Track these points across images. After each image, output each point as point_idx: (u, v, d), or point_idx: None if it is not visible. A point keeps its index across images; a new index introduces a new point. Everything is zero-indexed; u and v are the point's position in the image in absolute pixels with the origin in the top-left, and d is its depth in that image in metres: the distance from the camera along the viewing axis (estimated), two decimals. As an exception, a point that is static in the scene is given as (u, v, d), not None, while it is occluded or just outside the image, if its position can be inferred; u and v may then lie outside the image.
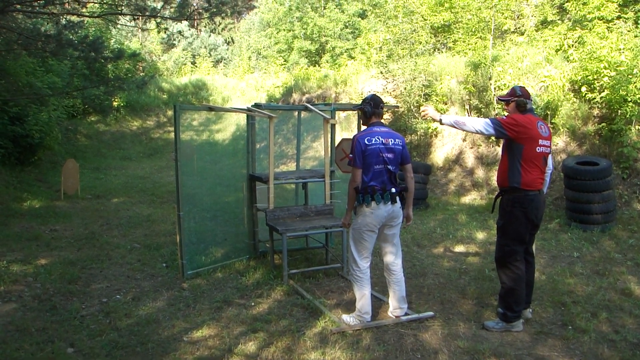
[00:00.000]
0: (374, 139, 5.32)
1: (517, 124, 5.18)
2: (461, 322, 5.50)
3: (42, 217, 10.65)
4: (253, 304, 6.03)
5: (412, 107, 14.74)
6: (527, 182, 5.20)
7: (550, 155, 5.49)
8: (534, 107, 5.59)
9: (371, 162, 5.30)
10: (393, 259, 5.66)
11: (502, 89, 12.85)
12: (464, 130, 5.45)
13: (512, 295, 5.29)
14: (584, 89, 11.52)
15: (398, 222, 5.61)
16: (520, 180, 5.20)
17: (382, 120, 5.64)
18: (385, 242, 5.66)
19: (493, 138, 12.92)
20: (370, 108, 5.49)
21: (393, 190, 5.41)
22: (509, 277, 5.32)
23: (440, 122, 5.41)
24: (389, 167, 5.39)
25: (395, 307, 5.63)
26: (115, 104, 23.55)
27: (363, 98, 5.88)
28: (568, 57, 13.06)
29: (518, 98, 5.34)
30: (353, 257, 5.53)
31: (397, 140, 5.45)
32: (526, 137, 5.17)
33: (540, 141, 5.21)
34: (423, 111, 5.62)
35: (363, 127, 5.70)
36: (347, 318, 5.47)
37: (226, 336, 5.15)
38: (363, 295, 5.45)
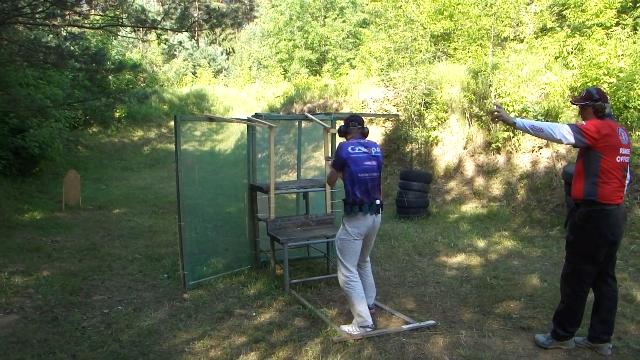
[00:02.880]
0: (357, 148, 5.49)
1: (597, 130, 4.65)
2: (463, 331, 5.48)
3: (43, 228, 10.67)
4: (254, 314, 6.02)
5: (412, 115, 14.75)
6: (604, 194, 4.69)
7: (628, 165, 4.91)
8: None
9: (356, 170, 5.43)
10: (366, 257, 5.96)
11: (502, 97, 12.86)
12: (540, 137, 4.89)
13: (568, 314, 4.98)
14: (583, 96, 11.53)
15: (377, 229, 5.76)
16: (597, 193, 4.70)
17: (365, 137, 5.77)
18: (363, 247, 5.77)
19: (493, 146, 12.94)
20: (343, 128, 5.76)
21: (377, 202, 5.53)
22: (569, 296, 4.96)
23: (514, 125, 4.81)
24: (373, 174, 5.52)
25: (369, 296, 5.84)
26: (116, 114, 23.64)
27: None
28: (567, 64, 13.08)
29: (595, 102, 4.85)
30: (343, 264, 5.59)
31: (377, 149, 5.64)
32: (606, 145, 4.66)
33: (621, 150, 4.71)
34: (496, 112, 4.86)
35: None
36: (347, 328, 5.45)
37: (228, 347, 5.14)
38: (360, 301, 5.48)
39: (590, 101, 4.87)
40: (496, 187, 12.36)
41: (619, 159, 4.69)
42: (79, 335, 5.51)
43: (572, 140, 4.65)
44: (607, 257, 4.88)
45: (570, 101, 5.78)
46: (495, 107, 4.96)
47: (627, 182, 4.92)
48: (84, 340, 5.37)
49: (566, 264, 5.02)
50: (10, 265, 8.04)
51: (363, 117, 5.89)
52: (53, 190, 14.87)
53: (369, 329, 5.40)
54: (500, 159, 12.83)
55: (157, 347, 5.18)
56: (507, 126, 4.45)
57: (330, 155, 7.50)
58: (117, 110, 23.34)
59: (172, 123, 24.98)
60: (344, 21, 28.86)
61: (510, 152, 12.59)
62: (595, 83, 11.23)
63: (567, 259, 5.01)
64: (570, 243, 4.96)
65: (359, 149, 5.48)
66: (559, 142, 4.78)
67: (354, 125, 5.70)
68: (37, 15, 9.72)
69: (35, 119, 14.18)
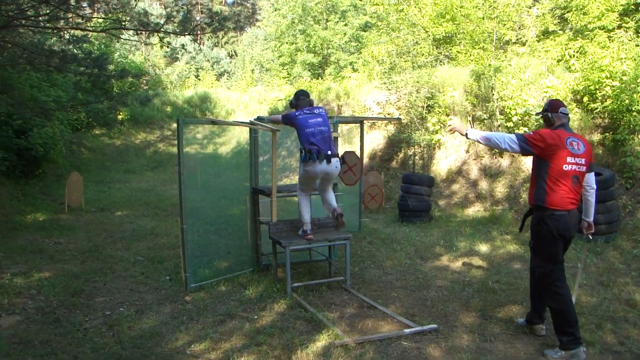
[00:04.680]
0: (303, 112, 6.86)
1: (542, 139, 4.96)
2: (465, 335, 5.48)
3: (46, 230, 10.68)
4: (256, 317, 6.02)
5: (415, 118, 14.76)
6: (552, 201, 4.96)
7: (591, 174, 5.21)
8: (569, 119, 5.29)
9: (303, 127, 6.73)
10: (327, 191, 7.24)
11: (504, 100, 12.87)
12: (489, 146, 5.34)
13: (562, 317, 5.02)
14: (586, 99, 11.54)
15: (333, 176, 7.03)
16: (545, 199, 4.99)
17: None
18: (322, 185, 7.16)
19: (496, 149, 12.93)
20: (294, 101, 7.10)
21: (329, 152, 6.70)
22: (553, 299, 5.08)
23: (466, 136, 5.32)
24: (320, 128, 6.76)
25: (333, 209, 7.14)
26: (119, 117, 23.67)
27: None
28: (570, 67, 13.07)
29: (545, 112, 5.24)
30: (300, 187, 7.11)
31: (320, 110, 6.99)
32: (552, 153, 4.94)
33: (568, 158, 4.92)
34: (449, 125, 5.54)
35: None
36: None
37: (229, 349, 5.15)
38: (305, 213, 7.05)
39: (543, 112, 5.29)
40: (499, 191, 12.35)
41: (566, 167, 4.92)
42: (80, 336, 5.52)
43: (517, 149, 5.03)
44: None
45: (535, 113, 6.14)
46: (450, 121, 5.63)
47: (591, 190, 5.26)
48: (85, 341, 5.38)
49: (532, 270, 5.35)
50: (13, 267, 8.05)
51: (365, 120, 6.43)
52: (56, 192, 14.89)
53: (308, 235, 6.97)
54: (504, 162, 12.82)
55: (159, 349, 5.19)
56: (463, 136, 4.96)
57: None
58: (120, 113, 23.39)
59: (174, 126, 25.05)
60: (346, 24, 28.84)
61: (513, 155, 12.57)
62: (597, 86, 11.23)
63: (532, 264, 5.35)
64: (532, 248, 5.32)
65: (305, 113, 6.83)
66: (505, 150, 5.18)
67: (303, 98, 7.06)
68: (40, 18, 9.74)
69: (39, 120, 14.22)
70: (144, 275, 7.77)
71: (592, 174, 5.23)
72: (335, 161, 6.79)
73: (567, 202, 4.96)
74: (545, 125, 5.31)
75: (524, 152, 5.08)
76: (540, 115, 5.36)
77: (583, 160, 4.99)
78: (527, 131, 11.00)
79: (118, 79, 14.10)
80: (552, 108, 5.19)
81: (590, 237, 5.88)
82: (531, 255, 5.36)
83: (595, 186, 5.31)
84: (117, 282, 7.46)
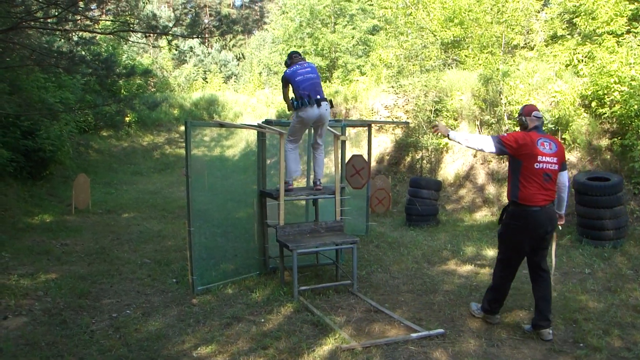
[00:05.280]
0: (295, 67, 7.45)
1: (515, 140, 5.43)
2: (472, 340, 5.46)
3: (53, 231, 10.71)
4: (263, 320, 6.01)
5: (422, 122, 14.75)
6: (524, 197, 5.40)
7: (564, 172, 5.61)
8: (543, 122, 5.80)
9: (293, 77, 7.34)
10: (319, 140, 7.75)
11: (512, 105, 12.84)
12: (468, 147, 5.77)
13: (493, 293, 5.85)
14: (594, 104, 11.50)
15: (324, 120, 7.47)
16: (518, 195, 5.44)
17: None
18: (315, 131, 7.71)
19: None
20: (288, 61, 7.68)
21: (318, 97, 7.22)
22: (496, 277, 5.83)
23: (448, 137, 5.75)
24: (309, 75, 7.33)
25: (316, 179, 7.81)
26: (126, 119, 23.73)
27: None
28: (578, 72, 13.02)
29: (520, 116, 5.74)
30: (289, 139, 7.48)
31: (308, 63, 7.57)
32: (524, 153, 5.38)
33: (539, 157, 5.36)
34: (434, 127, 5.99)
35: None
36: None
37: (236, 352, 5.14)
38: (294, 159, 7.56)
39: (518, 116, 5.81)
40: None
41: (537, 165, 5.37)
42: (87, 338, 5.53)
43: (493, 149, 5.51)
44: (536, 252, 5.60)
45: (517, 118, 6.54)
46: (435, 122, 5.98)
47: (563, 187, 5.71)
48: (92, 343, 5.39)
49: (498, 253, 5.92)
50: (20, 268, 8.07)
51: (373, 124, 6.72)
52: (63, 193, 14.93)
53: (290, 186, 7.52)
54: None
55: (165, 352, 5.18)
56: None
57: (341, 162, 7.70)
58: (128, 115, 23.45)
59: (182, 128, 25.12)
60: (354, 28, 28.83)
61: (521, 160, 12.52)
62: (606, 91, 11.18)
63: (498, 248, 5.91)
64: (499, 235, 5.83)
65: (295, 67, 7.42)
66: (482, 151, 5.66)
67: (296, 56, 7.69)
68: (49, 20, 9.77)
69: (47, 121, 14.26)
70: (151, 278, 7.77)
71: (565, 172, 5.65)
72: (325, 104, 7.30)
73: (539, 198, 5.39)
74: (520, 128, 5.81)
75: (499, 152, 5.57)
76: (518, 119, 5.84)
77: (555, 159, 5.44)
78: None
79: (126, 78, 14.07)
80: (526, 112, 5.69)
81: (560, 227, 6.62)
82: (498, 243, 5.90)
83: (567, 183, 5.73)
84: (123, 284, 7.47)
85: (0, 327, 5.81)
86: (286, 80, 7.52)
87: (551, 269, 6.20)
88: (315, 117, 7.28)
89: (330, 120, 8.82)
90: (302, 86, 7.24)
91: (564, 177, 5.66)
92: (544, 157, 5.38)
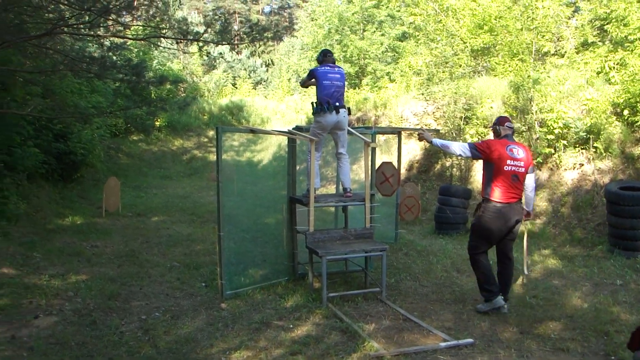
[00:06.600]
0: (325, 68, 7.58)
1: (488, 146, 6.36)
2: (501, 350, 5.38)
3: (83, 233, 10.82)
4: (292, 326, 5.99)
5: (452, 130, 14.65)
6: (495, 194, 6.27)
7: (530, 175, 6.47)
8: (514, 131, 7.13)
9: (322, 79, 7.46)
10: (340, 149, 7.87)
11: (543, 112, 12.70)
12: (448, 152, 6.92)
13: (483, 277, 6.52)
14: (626, 112, 11.31)
15: (342, 126, 7.64)
16: (490, 193, 6.31)
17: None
18: (337, 140, 7.86)
19: (534, 162, 12.77)
20: (320, 57, 7.85)
21: (337, 104, 7.40)
22: (475, 266, 6.63)
23: (431, 143, 6.71)
24: (337, 82, 7.50)
25: (345, 181, 7.91)
26: (157, 123, 23.94)
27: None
28: (609, 79, 12.82)
29: (494, 126, 6.66)
30: (312, 147, 7.51)
31: (340, 68, 7.71)
32: (495, 157, 6.26)
33: (508, 161, 6.23)
34: (420, 134, 6.88)
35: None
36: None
37: (264, 358, 5.14)
38: (316, 171, 7.56)
39: (492, 126, 6.73)
40: (537, 205, 12.16)
41: (506, 167, 6.23)
42: (116, 339, 5.57)
43: (469, 154, 6.47)
44: (505, 242, 6.52)
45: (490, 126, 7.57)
46: (422, 130, 7.00)
47: (529, 187, 6.55)
48: (121, 344, 5.42)
49: (469, 242, 6.72)
50: (51, 268, 8.17)
51: (404, 131, 7.00)
52: (93, 196, 15.10)
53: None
54: (542, 175, 12.63)
55: (194, 355, 5.19)
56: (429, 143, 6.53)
57: (371, 169, 7.82)
58: (158, 120, 23.64)
59: (211, 133, 25.29)
60: (382, 35, 28.76)
61: (552, 168, 12.40)
62: (638, 99, 11.00)
63: (470, 238, 6.71)
64: (472, 226, 6.72)
65: (326, 68, 7.55)
66: (460, 156, 6.95)
67: (330, 56, 7.83)
68: (81, 26, 9.88)
69: (79, 125, 14.43)
70: (180, 281, 7.81)
71: (532, 174, 6.49)
72: (343, 111, 7.51)
73: (508, 196, 6.26)
74: (493, 135, 6.69)
75: (474, 157, 6.62)
76: (492, 128, 6.76)
77: (522, 163, 6.31)
78: (567, 144, 11.95)
79: (157, 85, 14.21)
80: (500, 122, 6.60)
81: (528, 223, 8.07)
82: (470, 232, 6.79)
83: (534, 184, 6.62)
84: (153, 287, 7.52)
85: (31, 325, 5.89)
86: (313, 76, 7.64)
87: (524, 266, 7.74)
88: (334, 122, 7.48)
89: (360, 127, 8.84)
90: (326, 91, 7.42)
91: (531, 179, 6.51)
92: (512, 161, 6.25)
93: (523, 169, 6.32)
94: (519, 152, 6.36)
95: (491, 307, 6.44)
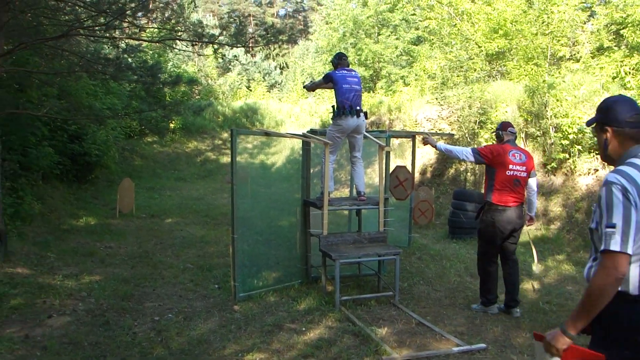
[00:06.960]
0: (342, 72, 7.57)
1: (490, 151, 6.47)
2: (514, 356, 5.34)
3: (97, 234, 10.88)
4: (304, 329, 5.98)
5: (466, 134, 14.59)
6: (497, 198, 6.37)
7: (532, 179, 6.58)
8: (516, 137, 7.04)
9: (341, 83, 7.42)
10: (356, 153, 7.88)
11: (558, 117, 12.62)
12: (452, 157, 7.14)
13: (484, 285, 6.66)
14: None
15: (360, 130, 7.65)
16: (492, 197, 6.40)
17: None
18: (353, 144, 7.84)
19: (549, 167, 12.70)
20: (335, 60, 7.81)
21: (357, 108, 7.44)
22: (481, 271, 6.72)
23: (436, 147, 6.89)
24: (354, 87, 7.50)
25: (359, 191, 7.85)
26: (171, 125, 24.01)
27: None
28: (625, 84, 12.71)
29: (497, 131, 6.75)
30: (330, 151, 7.51)
31: (356, 72, 7.76)
32: (497, 162, 6.39)
33: (510, 166, 6.35)
34: (424, 139, 7.13)
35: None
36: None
37: (277, 360, 5.13)
38: (330, 175, 7.48)
39: (496, 131, 6.81)
40: (551, 210, 12.08)
41: (508, 172, 6.35)
42: (129, 340, 5.58)
43: (472, 159, 6.53)
44: (507, 245, 6.63)
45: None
46: (425, 135, 7.28)
47: (531, 191, 6.65)
48: (134, 345, 5.44)
49: (478, 248, 6.83)
50: (65, 268, 8.22)
51: (418, 135, 7.11)
52: (107, 197, 15.18)
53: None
54: (557, 180, 12.55)
55: (206, 357, 5.20)
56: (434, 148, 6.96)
57: (385, 173, 7.77)
58: (172, 122, 23.73)
59: (225, 135, 25.31)
60: (397, 38, 28.70)
61: (566, 173, 12.31)
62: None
63: (478, 244, 6.82)
64: (478, 231, 6.76)
65: (343, 72, 7.54)
66: (464, 160, 6.90)
67: (345, 59, 7.82)
68: (97, 28, 9.94)
69: (93, 126, 14.52)
70: (193, 283, 7.83)
71: (533, 179, 6.60)
72: (362, 115, 7.56)
73: (509, 200, 6.37)
74: (496, 140, 6.80)
75: (477, 162, 6.58)
76: (494, 133, 6.90)
77: (524, 168, 6.43)
78: (581, 149, 11.88)
79: (171, 87, 14.26)
80: (503, 128, 6.68)
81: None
82: (478, 238, 6.83)
83: (536, 189, 6.74)
84: (166, 288, 7.54)
85: (44, 325, 5.93)
86: (330, 80, 7.61)
87: (534, 266, 7.89)
88: (354, 126, 7.48)
89: (374, 131, 8.85)
90: (346, 95, 7.39)
91: (533, 183, 6.62)
92: (514, 166, 6.37)
93: (525, 174, 6.45)
94: (521, 157, 6.48)
95: (484, 311, 6.66)
